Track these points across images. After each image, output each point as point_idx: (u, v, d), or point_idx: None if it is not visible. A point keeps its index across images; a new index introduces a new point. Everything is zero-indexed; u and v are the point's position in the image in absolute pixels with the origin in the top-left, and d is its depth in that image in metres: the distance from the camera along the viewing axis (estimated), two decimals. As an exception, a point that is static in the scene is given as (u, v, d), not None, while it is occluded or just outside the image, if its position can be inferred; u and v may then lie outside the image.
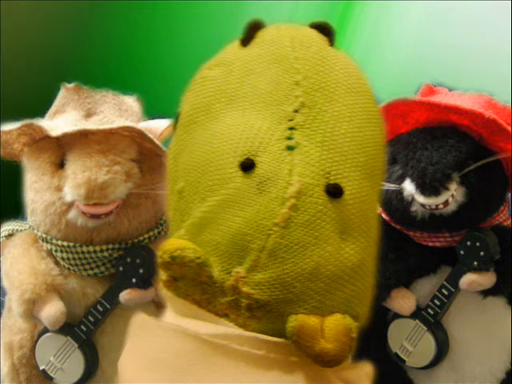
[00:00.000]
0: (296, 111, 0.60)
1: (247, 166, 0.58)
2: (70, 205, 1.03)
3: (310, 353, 0.56)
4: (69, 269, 1.08)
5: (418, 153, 1.06)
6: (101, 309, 1.07)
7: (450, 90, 1.13)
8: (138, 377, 0.59)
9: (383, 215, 1.12)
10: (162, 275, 0.60)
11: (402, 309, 1.11)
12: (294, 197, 0.57)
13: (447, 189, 1.04)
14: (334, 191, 0.58)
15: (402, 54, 2.02)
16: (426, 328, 1.10)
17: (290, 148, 0.59)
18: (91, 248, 1.06)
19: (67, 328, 1.07)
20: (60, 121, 1.07)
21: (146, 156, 1.09)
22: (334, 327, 0.57)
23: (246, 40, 0.64)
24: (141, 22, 2.12)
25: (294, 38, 0.63)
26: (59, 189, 1.04)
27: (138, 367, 0.59)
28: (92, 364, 1.08)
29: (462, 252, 1.08)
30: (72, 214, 1.04)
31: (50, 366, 1.09)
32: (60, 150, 1.06)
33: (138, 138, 1.06)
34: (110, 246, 1.07)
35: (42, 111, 1.11)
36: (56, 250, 1.08)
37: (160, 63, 2.09)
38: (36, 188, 1.07)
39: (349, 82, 0.62)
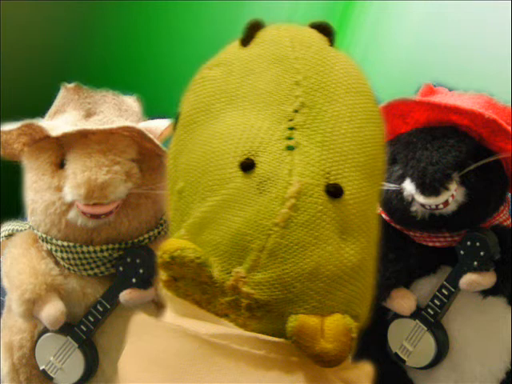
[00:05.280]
0: (296, 111, 0.60)
1: (247, 165, 0.58)
2: (70, 205, 1.03)
3: (310, 353, 0.56)
4: (69, 269, 1.08)
5: (418, 153, 1.06)
6: (101, 309, 1.07)
7: (450, 90, 1.13)
8: (138, 377, 0.59)
9: (383, 215, 1.12)
10: (162, 275, 0.60)
11: (402, 309, 1.11)
12: (294, 197, 0.57)
13: (447, 189, 1.04)
14: (334, 191, 0.58)
15: (402, 54, 2.02)
16: (426, 328, 1.10)
17: (290, 148, 0.59)
18: (91, 248, 1.06)
19: (67, 328, 1.07)
20: (60, 121, 1.07)
21: (146, 156, 1.09)
22: (334, 327, 0.57)
23: (246, 40, 0.64)
24: (141, 21, 2.12)
25: (294, 38, 0.63)
26: (59, 189, 1.04)
27: (138, 367, 0.59)
28: (92, 364, 1.08)
29: (462, 252, 1.08)
30: (72, 214, 1.04)
31: (50, 366, 1.09)
32: (60, 149, 1.06)
33: (137, 137, 1.06)
34: (110, 246, 1.07)
35: (42, 111, 1.12)
36: (56, 250, 1.08)
37: (160, 63, 2.09)
38: (36, 188, 1.07)
39: (349, 82, 0.62)
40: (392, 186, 1.08)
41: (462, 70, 1.85)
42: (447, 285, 1.10)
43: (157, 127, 1.10)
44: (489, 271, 1.08)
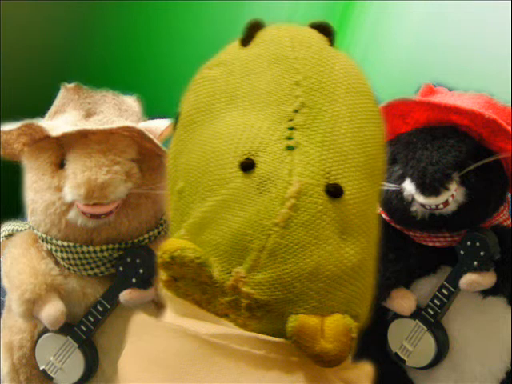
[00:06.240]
0: (296, 111, 0.60)
1: (247, 165, 0.58)
2: (70, 205, 1.03)
3: (310, 353, 0.56)
4: (69, 269, 1.08)
5: (418, 153, 1.06)
6: (101, 309, 1.07)
7: (450, 90, 1.13)
8: (138, 377, 0.59)
9: (383, 215, 1.12)
10: (162, 275, 0.60)
11: (402, 309, 1.11)
12: (294, 197, 0.57)
13: (447, 189, 1.04)
14: (334, 191, 0.58)
15: (402, 53, 2.02)
16: (426, 328, 1.10)
17: (290, 148, 0.59)
18: (91, 248, 1.06)
19: (67, 328, 1.07)
20: (60, 121, 1.07)
21: (146, 156, 1.09)
22: (334, 327, 0.57)
23: (246, 40, 0.64)
24: (141, 21, 2.12)
25: (294, 38, 0.63)
26: (59, 189, 1.04)
27: (138, 367, 0.59)
28: (92, 364, 1.08)
29: (462, 252, 1.08)
30: (72, 214, 1.04)
31: (50, 366, 1.09)
32: (60, 149, 1.06)
33: (137, 137, 1.06)
34: (110, 246, 1.07)
35: (42, 111, 1.12)
36: (56, 250, 1.08)
37: (160, 63, 2.09)
38: (36, 188, 1.07)
39: (349, 82, 0.62)
40: (392, 186, 1.08)
41: (462, 70, 1.85)
42: (447, 285, 1.10)
43: (157, 127, 1.10)
44: (489, 271, 1.08)
